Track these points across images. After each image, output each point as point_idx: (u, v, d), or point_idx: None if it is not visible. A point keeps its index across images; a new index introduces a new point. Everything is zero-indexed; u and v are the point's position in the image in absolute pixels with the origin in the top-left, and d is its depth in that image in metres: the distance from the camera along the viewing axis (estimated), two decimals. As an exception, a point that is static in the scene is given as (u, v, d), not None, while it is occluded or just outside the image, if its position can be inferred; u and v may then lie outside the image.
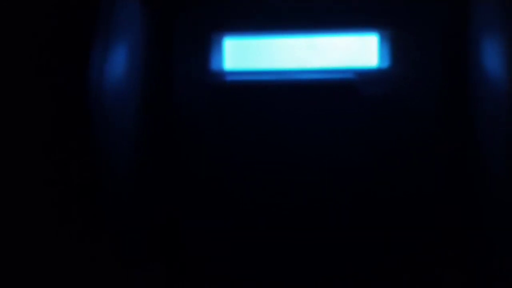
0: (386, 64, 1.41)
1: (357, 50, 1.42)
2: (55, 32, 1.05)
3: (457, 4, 1.33)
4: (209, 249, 1.44)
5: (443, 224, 1.38)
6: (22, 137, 1.05)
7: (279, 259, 1.42)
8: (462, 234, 1.35)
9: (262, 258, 1.43)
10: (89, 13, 1.08)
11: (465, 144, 1.32)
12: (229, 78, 1.44)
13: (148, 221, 1.39)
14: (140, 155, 1.34)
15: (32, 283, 1.07)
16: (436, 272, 1.38)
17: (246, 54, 1.44)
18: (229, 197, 1.43)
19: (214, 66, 1.43)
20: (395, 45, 1.39)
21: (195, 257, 1.44)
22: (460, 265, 1.35)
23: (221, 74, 1.44)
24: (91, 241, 1.11)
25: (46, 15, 1.05)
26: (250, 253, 1.43)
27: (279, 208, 1.43)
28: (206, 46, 1.42)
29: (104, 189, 1.14)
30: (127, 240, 1.27)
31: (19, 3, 1.03)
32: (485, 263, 1.22)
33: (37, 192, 1.06)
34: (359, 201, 1.41)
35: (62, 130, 1.06)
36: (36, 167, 1.06)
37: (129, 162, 1.28)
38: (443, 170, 1.38)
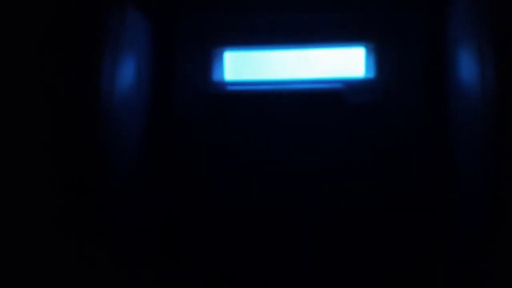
0: (372, 74, 1.48)
1: (345, 62, 1.50)
2: (69, 46, 1.12)
3: (436, 19, 1.40)
4: (208, 249, 1.49)
5: (422, 221, 1.44)
6: (36, 142, 1.10)
7: (276, 258, 1.47)
8: (440, 231, 1.41)
9: (259, 258, 1.48)
10: (100, 30, 1.15)
11: (444, 147, 1.38)
12: (229, 88, 1.51)
13: (149, 222, 1.44)
14: (145, 159, 1.40)
15: (34, 282, 1.08)
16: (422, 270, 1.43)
17: (244, 66, 1.53)
18: (230, 200, 1.49)
19: (215, 77, 1.51)
20: (381, 57, 1.46)
21: (195, 257, 1.50)
22: (440, 262, 1.40)
23: (222, 84, 1.51)
24: (93, 240, 1.14)
25: (60, 30, 1.12)
26: (249, 253, 1.48)
27: (274, 209, 1.48)
28: (208, 59, 1.50)
29: (111, 191, 1.19)
30: (129, 240, 1.31)
31: (35, 18, 1.10)
32: (459, 257, 1.28)
33: (47, 193, 1.10)
34: (347, 203, 1.47)
35: (74, 136, 1.12)
36: (47, 170, 1.10)
37: (135, 165, 1.35)
38: (425, 172, 1.44)
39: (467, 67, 1.21)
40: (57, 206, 1.11)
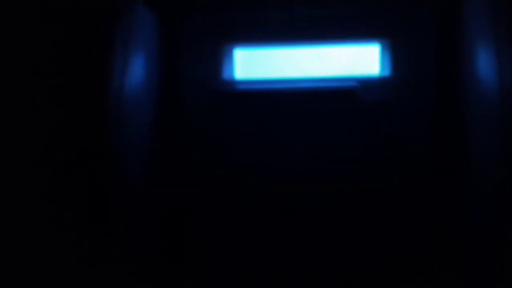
0: (387, 72, 1.45)
1: (360, 59, 1.47)
2: (79, 44, 1.11)
3: (453, 14, 1.38)
4: (215, 249, 1.48)
5: (435, 222, 1.43)
6: (45, 142, 1.10)
7: (280, 258, 1.47)
8: (453, 233, 1.39)
9: (264, 258, 1.47)
10: (110, 27, 1.14)
11: (460, 146, 1.36)
12: (239, 86, 1.49)
13: (158, 223, 1.43)
14: (154, 160, 1.39)
15: (38, 283, 1.09)
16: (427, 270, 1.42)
17: (255, 64, 1.50)
18: (240, 201, 1.47)
19: (225, 75, 1.49)
20: (396, 54, 1.44)
21: (203, 257, 1.49)
22: (449, 263, 1.39)
23: (232, 83, 1.49)
24: (102, 241, 1.14)
25: (70, 28, 1.11)
26: (255, 253, 1.47)
27: (283, 210, 1.47)
28: (218, 57, 1.47)
29: (120, 192, 1.18)
30: (139, 241, 1.30)
31: (43, 17, 1.10)
32: (472, 262, 1.26)
33: (55, 194, 1.11)
34: (360, 203, 1.45)
35: (83, 136, 1.11)
36: (57, 170, 1.10)
37: (143, 166, 1.33)
38: (441, 174, 1.42)
39: (485, 64, 1.19)
40: (63, 204, 1.11)
